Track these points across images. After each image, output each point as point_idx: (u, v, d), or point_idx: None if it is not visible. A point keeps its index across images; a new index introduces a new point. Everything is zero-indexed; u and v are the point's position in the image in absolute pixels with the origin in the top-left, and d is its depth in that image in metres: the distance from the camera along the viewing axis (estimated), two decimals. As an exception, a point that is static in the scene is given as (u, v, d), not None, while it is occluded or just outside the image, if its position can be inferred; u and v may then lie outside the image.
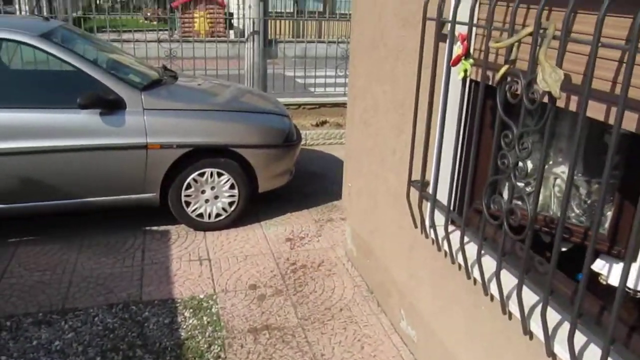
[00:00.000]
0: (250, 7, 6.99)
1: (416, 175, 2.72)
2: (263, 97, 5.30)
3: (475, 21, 2.17)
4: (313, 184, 5.56)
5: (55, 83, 4.31)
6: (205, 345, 3.12)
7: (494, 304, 2.21)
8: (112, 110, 4.00)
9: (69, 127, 3.94)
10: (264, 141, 4.40)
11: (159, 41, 7.08)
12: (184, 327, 3.28)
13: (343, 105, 7.68)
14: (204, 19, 15.04)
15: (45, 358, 3.00)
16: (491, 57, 2.11)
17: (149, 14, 23.19)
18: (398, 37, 2.96)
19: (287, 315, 3.41)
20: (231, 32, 16.44)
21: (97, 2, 21.05)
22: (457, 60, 2.16)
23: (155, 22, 21.97)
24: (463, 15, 2.21)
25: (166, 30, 16.60)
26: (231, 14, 16.29)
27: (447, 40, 2.36)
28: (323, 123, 7.39)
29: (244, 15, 7.27)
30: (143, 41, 7.51)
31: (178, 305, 3.49)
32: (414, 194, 2.76)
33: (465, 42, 2.12)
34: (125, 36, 8.53)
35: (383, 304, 3.49)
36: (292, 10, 15.20)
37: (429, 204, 2.67)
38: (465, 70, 2.15)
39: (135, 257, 4.06)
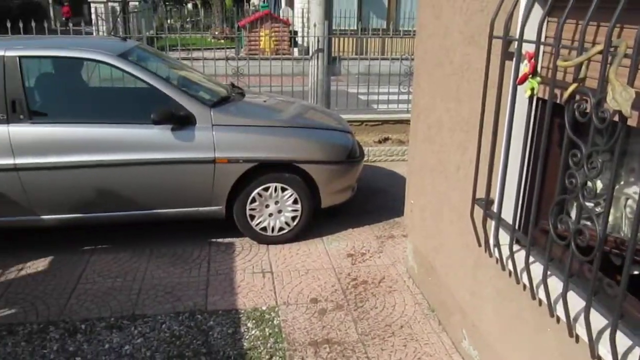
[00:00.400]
0: (315, 25, 7.13)
1: (480, 194, 2.71)
2: (327, 113, 5.39)
3: (542, 39, 2.16)
4: (375, 200, 5.58)
5: (131, 100, 4.55)
6: (267, 357, 3.18)
7: (560, 326, 2.16)
8: (183, 125, 4.18)
9: (143, 141, 4.14)
10: (327, 157, 4.47)
11: (227, 59, 7.32)
12: (247, 337, 3.36)
13: (406, 122, 7.66)
14: (269, 37, 15.39)
15: (116, 361, 3.15)
16: (559, 75, 2.09)
17: (216, 33, 23.98)
18: (463, 55, 2.97)
19: (348, 330, 3.43)
20: (295, 49, 16.78)
21: (169, 22, 21.98)
22: (524, 79, 2.15)
23: (222, 41, 22.70)
24: (530, 33, 2.20)
25: (233, 48, 17.14)
26: (295, 32, 16.63)
27: (514, 59, 2.35)
28: (385, 140, 7.40)
29: (308, 33, 7.41)
30: (211, 59, 7.79)
31: (241, 315, 3.58)
32: (478, 212, 2.74)
33: (533, 61, 2.11)
34: (194, 54, 8.87)
35: (444, 323, 3.45)
36: (355, 28, 15.35)
37: (493, 223, 2.64)
38: (533, 89, 2.14)
39: (202, 267, 4.20)
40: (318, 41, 7.16)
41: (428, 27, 3.49)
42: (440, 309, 3.52)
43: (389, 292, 3.88)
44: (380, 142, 7.31)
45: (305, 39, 14.46)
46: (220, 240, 4.65)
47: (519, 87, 2.28)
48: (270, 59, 7.84)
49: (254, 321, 3.52)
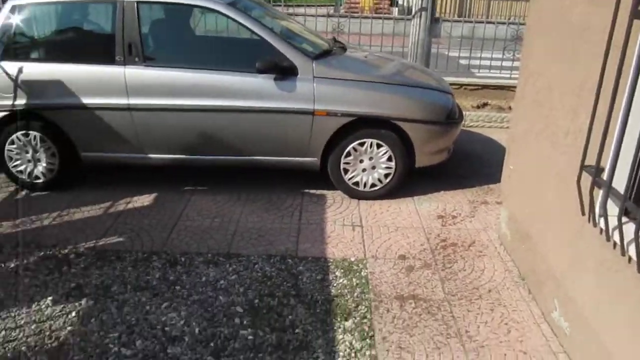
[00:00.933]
0: (420, -17, 6.94)
1: (590, 161, 2.59)
2: (427, 73, 5.30)
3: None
4: (469, 165, 5.47)
5: (237, 48, 4.67)
6: (353, 305, 3.26)
7: (668, 302, 2.06)
8: (285, 76, 4.26)
9: (246, 89, 4.26)
10: (426, 116, 4.41)
11: (328, 16, 7.31)
12: (335, 285, 3.46)
13: (507, 88, 7.39)
14: (370, -5, 15.16)
15: (212, 293, 3.35)
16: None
17: (316, -11, 23.88)
18: (582, 15, 2.80)
19: (434, 288, 3.44)
20: (395, 9, 16.46)
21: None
22: (655, 39, 2.01)
23: (322, -3, 22.58)
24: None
25: (333, 5, 17.04)
26: (396, -9, 16.27)
27: (644, 18, 2.20)
28: (484, 105, 7.18)
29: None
30: (312, 15, 7.80)
31: (330, 264, 3.68)
32: (586, 179, 2.63)
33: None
34: (295, 10, 8.92)
35: (535, 292, 3.38)
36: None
37: (601, 191, 2.53)
38: (664, 50, 2.00)
39: (294, 215, 4.33)
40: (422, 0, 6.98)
41: (547, -15, 3.31)
42: (532, 277, 3.44)
43: (478, 256, 3.84)
44: (478, 107, 7.10)
45: (407, -2, 14.09)
46: (312, 191, 4.75)
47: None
48: (371, 17, 7.74)
49: (342, 270, 3.61)
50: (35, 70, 4.38)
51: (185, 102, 4.28)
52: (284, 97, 4.25)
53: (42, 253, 3.76)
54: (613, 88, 2.38)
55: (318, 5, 13.42)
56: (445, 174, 5.13)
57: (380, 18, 7.52)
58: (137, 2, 4.27)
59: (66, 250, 3.79)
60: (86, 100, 4.33)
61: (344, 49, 5.02)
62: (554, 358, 2.88)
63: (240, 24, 4.27)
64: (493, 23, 8.23)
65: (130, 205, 4.45)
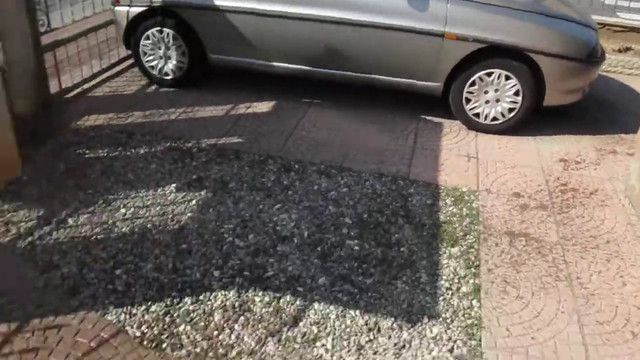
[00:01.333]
0: None
1: None
2: (570, 5, 4.87)
3: None
4: (602, 111, 5.08)
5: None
6: (461, 233, 3.23)
7: None
8: (420, -7, 4.09)
9: (376, 3, 4.15)
10: (564, 51, 4.10)
11: None
12: (444, 211, 3.42)
13: (656, 33, 6.68)
14: None
15: (323, 202, 3.43)
16: None
17: None
18: None
19: (548, 230, 3.32)
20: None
21: None
22: None
23: None
24: None
25: None
26: None
27: None
28: (627, 49, 6.56)
29: None
30: None
31: (441, 191, 3.63)
32: None
33: None
34: None
35: (659, 250, 3.17)
36: None
37: None
38: None
39: (409, 139, 4.28)
40: None
41: None
42: (658, 234, 3.22)
43: (599, 205, 3.63)
44: (620, 51, 6.50)
45: None
46: (429, 118, 4.65)
47: None
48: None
49: (452, 199, 3.56)
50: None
51: (312, 11, 4.26)
52: (414, 15, 4.11)
53: (169, 144, 4.00)
54: None
55: None
56: (573, 117, 4.81)
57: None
58: None
59: (189, 144, 4.01)
60: (217, 2, 4.41)
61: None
62: (671, 318, 2.72)
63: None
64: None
65: (250, 110, 4.59)
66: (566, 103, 4.38)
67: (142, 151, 3.90)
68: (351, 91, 4.94)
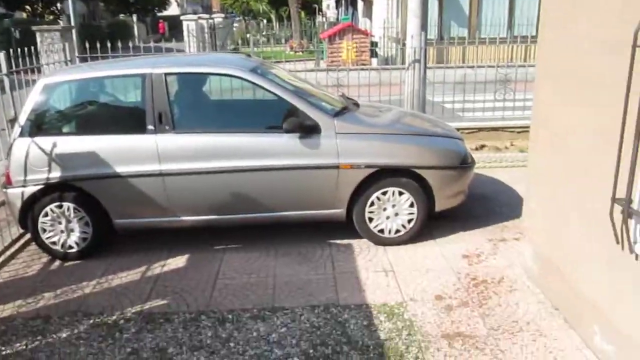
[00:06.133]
0: (412, 36, 7.36)
1: (620, 194, 2.85)
2: (436, 122, 5.60)
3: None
4: (481, 206, 5.72)
5: (261, 111, 4.94)
6: (404, 347, 3.42)
7: None
8: (310, 134, 4.51)
9: (274, 149, 4.51)
10: (443, 163, 4.70)
11: (328, 70, 7.68)
12: (381, 329, 3.62)
13: (501, 129, 7.78)
14: (352, 48, 15.75)
15: (267, 346, 3.48)
16: None
17: (294, 46, 24.66)
18: (596, 65, 3.12)
19: (476, 325, 3.63)
20: (374, 59, 17.06)
21: (249, 36, 22.75)
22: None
23: (301, 53, 23.26)
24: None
25: (313, 60, 17.62)
26: (375, 44, 16.92)
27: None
28: (482, 147, 7.52)
29: (404, 44, 7.66)
30: (310, 70, 8.18)
31: (372, 310, 3.84)
32: (617, 211, 2.88)
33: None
34: (286, 67, 9.31)
35: (571, 321, 3.58)
36: (437, 37, 15.45)
37: (632, 221, 2.79)
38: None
39: (326, 266, 4.51)
40: (415, 52, 7.39)
41: (554, 39, 3.65)
42: (566, 307, 3.65)
43: (509, 291, 4.04)
44: (477, 149, 7.44)
45: (386, 50, 14.67)
46: (339, 241, 4.95)
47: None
48: (369, 69, 8.14)
49: (385, 315, 3.78)
50: (69, 143, 4.58)
51: (215, 164, 4.50)
52: (309, 154, 4.50)
53: (92, 321, 3.86)
54: (636, 128, 2.66)
55: (296, 61, 13.86)
56: (461, 216, 5.37)
57: (387, 69, 7.93)
58: (165, 74, 4.53)
59: (114, 317, 3.90)
60: (119, 169, 4.52)
61: (357, 104, 5.32)
62: (603, 381, 3.06)
63: (264, 89, 4.55)
64: (473, 67, 8.68)
65: (166, 268, 4.59)
66: (455, 205, 4.92)
67: (64, 335, 3.72)
68: (258, 229, 5.14)
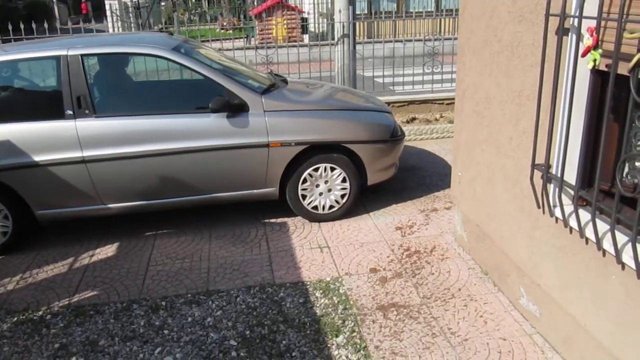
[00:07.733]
0: (340, 11, 7.33)
1: (539, 160, 2.94)
2: (365, 96, 5.62)
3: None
4: (412, 177, 5.82)
5: (187, 91, 4.79)
6: (340, 321, 3.45)
7: (626, 272, 2.40)
8: (237, 113, 4.42)
9: (200, 129, 4.39)
10: (373, 137, 4.71)
11: (256, 48, 7.54)
12: (317, 305, 3.63)
13: (430, 101, 7.90)
14: (282, 25, 15.56)
15: (202, 331, 3.43)
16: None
17: (224, 24, 24.11)
18: (513, 33, 3.19)
19: (410, 294, 3.70)
20: (305, 36, 16.93)
21: (176, 15, 22.05)
22: (587, 52, 2.38)
23: (231, 31, 22.80)
24: (589, 9, 2.43)
25: (242, 38, 17.28)
26: (305, 19, 16.78)
27: (571, 34, 2.58)
28: (412, 120, 7.63)
29: (333, 19, 7.62)
30: (240, 49, 8.01)
31: (308, 287, 3.85)
32: (537, 176, 2.98)
33: (595, 34, 2.34)
34: (214, 45, 9.10)
35: (500, 284, 3.71)
36: (366, 12, 15.49)
37: (552, 186, 2.89)
38: (595, 60, 2.37)
39: (261, 246, 4.47)
40: (343, 27, 7.37)
41: (473, 9, 3.70)
42: (494, 271, 3.77)
43: (441, 259, 4.14)
44: (408, 122, 7.54)
45: (318, 25, 14.58)
46: (273, 220, 4.91)
47: (579, 59, 2.51)
48: (297, 45, 8.04)
49: (320, 291, 3.79)
50: (-19, 133, 4.30)
51: (141, 148, 4.34)
52: (238, 133, 4.41)
53: (15, 318, 3.68)
54: (552, 95, 2.74)
55: (225, 39, 13.59)
56: (393, 189, 5.45)
57: (305, 46, 7.84)
58: (82, 55, 4.31)
59: (40, 312, 3.73)
60: (38, 158, 4.29)
61: (285, 81, 5.25)
62: (529, 339, 3.19)
63: (188, 67, 4.41)
64: (401, 41, 8.76)
65: (95, 258, 4.42)
66: (386, 178, 4.97)
67: (-14, 335, 3.53)
68: (191, 213, 5.04)
